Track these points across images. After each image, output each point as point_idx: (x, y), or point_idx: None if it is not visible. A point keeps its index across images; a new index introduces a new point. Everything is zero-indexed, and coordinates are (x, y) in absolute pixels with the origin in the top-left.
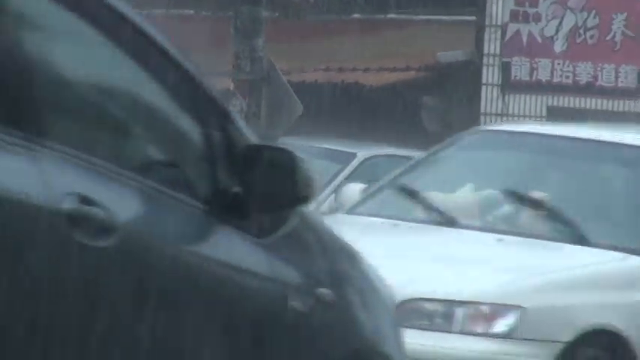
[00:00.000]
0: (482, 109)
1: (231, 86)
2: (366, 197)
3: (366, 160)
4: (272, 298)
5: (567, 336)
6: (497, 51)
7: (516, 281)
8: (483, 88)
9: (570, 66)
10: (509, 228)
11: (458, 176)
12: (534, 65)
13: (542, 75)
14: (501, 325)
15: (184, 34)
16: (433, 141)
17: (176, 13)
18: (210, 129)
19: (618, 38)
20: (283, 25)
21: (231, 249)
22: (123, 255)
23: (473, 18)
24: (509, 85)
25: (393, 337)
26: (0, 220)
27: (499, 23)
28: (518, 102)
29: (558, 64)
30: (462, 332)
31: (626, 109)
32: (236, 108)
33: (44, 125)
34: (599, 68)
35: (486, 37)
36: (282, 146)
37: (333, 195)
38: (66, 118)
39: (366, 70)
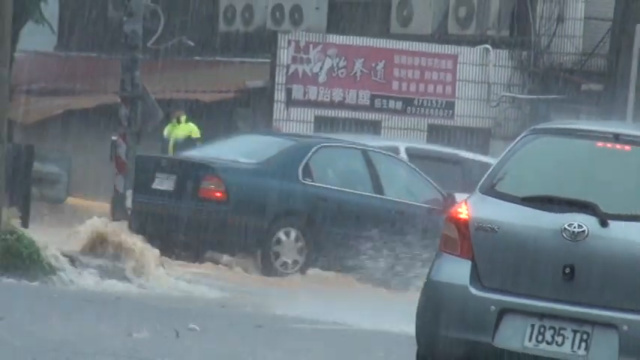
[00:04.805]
0: (274, 116)
1: (119, 100)
2: None
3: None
4: None
5: None
6: (284, 81)
7: None
8: (275, 103)
9: (329, 91)
10: None
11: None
12: (306, 90)
13: (311, 96)
14: None
15: (90, 70)
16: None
17: (85, 55)
18: None
19: (358, 74)
20: (152, 63)
21: None
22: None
23: (268, 60)
24: (290, 102)
25: None
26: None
27: (285, 64)
28: (296, 112)
29: (321, 89)
30: None
31: (364, 118)
32: (122, 114)
33: None
34: (346, 92)
35: (277, 72)
36: None
37: None
38: None
39: (203, 91)
